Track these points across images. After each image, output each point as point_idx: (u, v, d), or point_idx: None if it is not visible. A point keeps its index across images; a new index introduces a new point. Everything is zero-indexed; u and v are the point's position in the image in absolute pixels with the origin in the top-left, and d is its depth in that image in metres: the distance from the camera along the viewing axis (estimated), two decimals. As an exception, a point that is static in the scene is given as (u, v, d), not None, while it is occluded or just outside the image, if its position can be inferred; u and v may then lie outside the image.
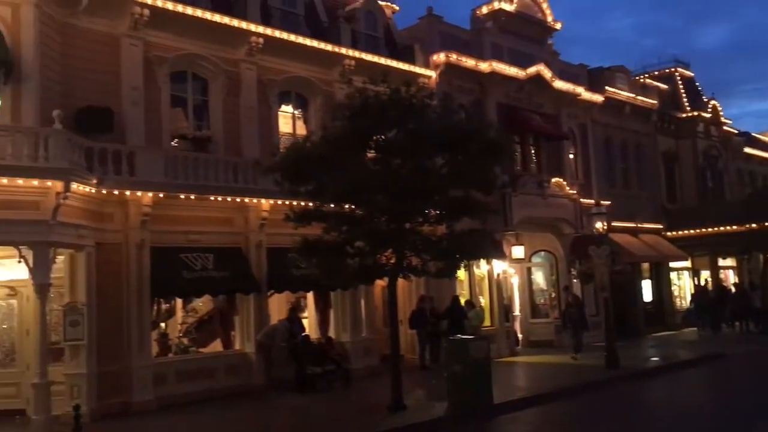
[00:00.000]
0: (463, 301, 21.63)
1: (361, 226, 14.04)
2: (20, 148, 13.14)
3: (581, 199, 26.37)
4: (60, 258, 14.27)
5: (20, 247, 13.36)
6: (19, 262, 13.54)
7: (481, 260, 22.07)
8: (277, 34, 19.22)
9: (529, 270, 26.77)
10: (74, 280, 14.87)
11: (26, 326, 15.06)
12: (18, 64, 14.63)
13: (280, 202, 16.95)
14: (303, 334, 18.23)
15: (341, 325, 19.73)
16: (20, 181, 13.09)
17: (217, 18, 18.02)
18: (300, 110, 20.83)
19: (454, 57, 23.68)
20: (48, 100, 14.88)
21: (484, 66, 24.64)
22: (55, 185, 13.30)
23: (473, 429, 13.01)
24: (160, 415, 14.76)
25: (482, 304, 23.41)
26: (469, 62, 24.26)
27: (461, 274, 21.34)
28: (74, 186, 13.68)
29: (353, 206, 14.31)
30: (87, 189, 14.50)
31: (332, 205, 14.38)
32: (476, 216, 15.11)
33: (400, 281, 15.25)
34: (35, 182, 13.21)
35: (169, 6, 17.07)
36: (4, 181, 12.93)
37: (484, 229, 15.93)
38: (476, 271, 23.59)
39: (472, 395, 13.75)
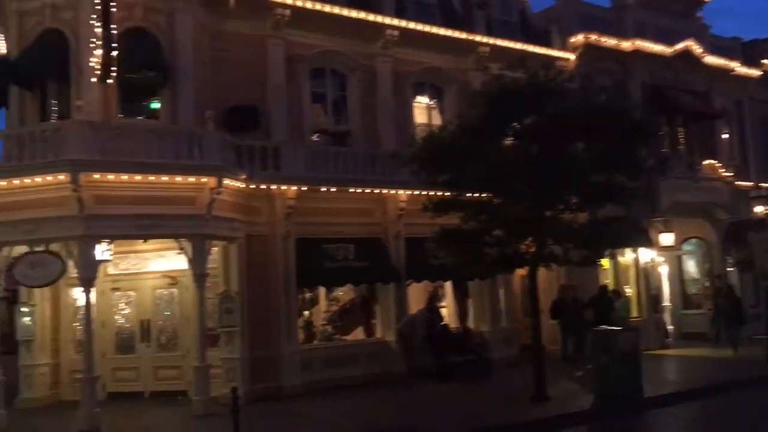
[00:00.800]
0: (609, 290, 20.83)
1: (500, 214, 13.88)
2: (178, 147, 14.17)
3: (737, 182, 24.54)
4: (214, 249, 15.21)
5: (180, 239, 14.39)
6: (179, 253, 14.60)
7: (627, 248, 21.14)
8: (412, 25, 19.36)
9: (679, 258, 25.29)
10: (227, 270, 15.79)
11: (186, 313, 16.20)
12: (174, 69, 15.70)
13: (417, 192, 17.09)
14: (442, 323, 18.32)
15: (480, 314, 19.63)
16: (178, 178, 14.08)
17: (354, 14, 18.43)
18: (435, 100, 20.87)
19: (593, 37, 22.76)
20: (201, 100, 15.86)
21: (627, 45, 23.49)
22: (209, 181, 14.19)
23: (621, 423, 12.52)
24: (309, 399, 15.38)
25: (628, 294, 22.42)
26: (609, 42, 23.23)
27: (605, 262, 20.56)
28: (226, 182, 14.52)
29: (491, 195, 14.17)
30: (237, 184, 15.34)
31: (470, 194, 14.31)
32: (621, 202, 14.49)
33: (541, 270, 14.92)
34: (191, 179, 14.16)
35: (309, 5, 17.66)
36: (165, 178, 13.96)
37: (629, 215, 15.25)
38: (621, 259, 22.62)
39: (620, 388, 13.21)
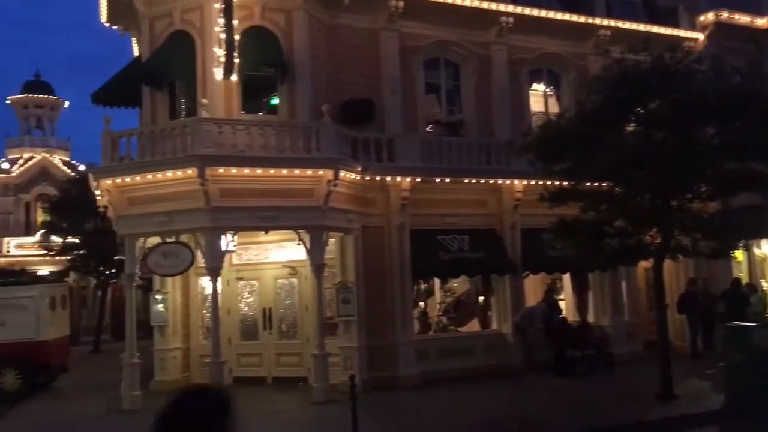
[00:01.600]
0: (743, 284, 19.55)
1: (622, 204, 13.32)
2: (296, 141, 14.59)
3: None
4: (331, 241, 15.56)
5: (298, 231, 14.81)
6: (298, 244, 15.04)
7: (763, 239, 19.74)
8: (527, 11, 18.92)
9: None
10: (344, 261, 16.11)
11: (305, 302, 16.69)
12: (292, 64, 16.15)
13: (533, 182, 16.71)
14: (560, 316, 17.86)
15: (601, 308, 18.98)
16: (297, 171, 14.50)
17: (468, 2, 18.24)
18: (552, 87, 20.32)
19: (725, 15, 21.37)
20: (318, 95, 16.22)
21: (762, 22, 21.87)
22: (326, 174, 14.51)
23: (756, 425, 11.72)
24: (424, 390, 15.45)
25: (764, 288, 20.95)
26: (743, 19, 21.72)
27: (739, 254, 19.31)
28: (342, 174, 14.81)
29: (612, 184, 13.61)
30: (353, 176, 15.59)
31: (589, 184, 13.83)
32: (757, 190, 13.52)
33: (667, 262, 14.22)
34: (309, 172, 14.54)
35: (422, -4, 17.64)
36: (284, 171, 14.42)
37: (766, 204, 14.21)
38: (756, 251, 21.16)
39: (755, 387, 12.36)
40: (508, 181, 17.57)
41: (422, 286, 18.40)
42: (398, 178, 16.45)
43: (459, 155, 17.35)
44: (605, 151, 12.80)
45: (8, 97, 41.33)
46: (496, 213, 17.98)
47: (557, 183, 14.30)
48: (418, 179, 16.60)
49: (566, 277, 19.35)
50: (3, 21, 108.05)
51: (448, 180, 16.94)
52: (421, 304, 18.27)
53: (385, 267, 16.52)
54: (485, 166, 17.54)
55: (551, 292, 18.43)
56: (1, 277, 18.97)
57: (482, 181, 17.39)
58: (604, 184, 13.76)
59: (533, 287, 18.55)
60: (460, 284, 18.98)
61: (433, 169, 16.81)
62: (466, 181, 17.20)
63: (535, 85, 20.04)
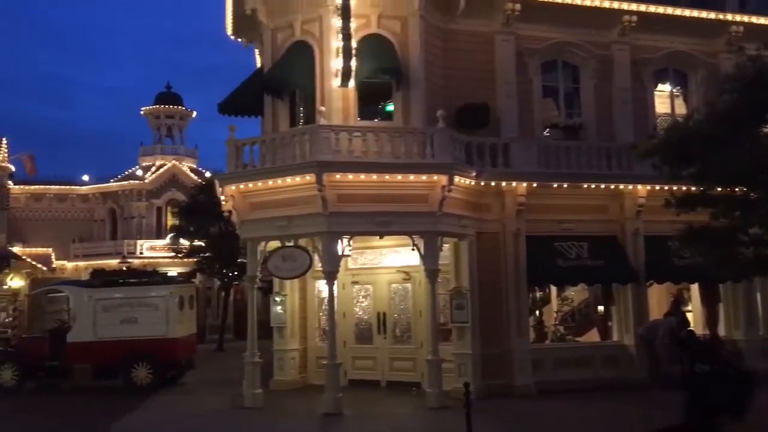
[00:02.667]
0: None
1: (758, 210, 12.41)
2: (411, 147, 14.67)
3: None
4: (446, 246, 15.50)
5: (413, 236, 14.86)
6: (413, 249, 15.08)
7: None
8: (652, 9, 18.11)
9: None
10: (458, 266, 16.01)
11: (419, 308, 16.71)
12: (407, 71, 16.25)
13: (658, 187, 15.95)
14: (688, 329, 16.88)
15: (733, 321, 17.83)
16: (412, 177, 14.56)
17: (588, 1, 17.68)
18: (678, 87, 19.33)
19: None
20: (432, 101, 16.23)
21: None
22: (440, 179, 14.49)
23: None
24: (540, 400, 15.05)
25: None
26: None
27: None
28: (456, 179, 14.74)
29: (747, 188, 12.73)
30: (467, 182, 15.47)
31: (721, 189, 13.00)
32: None
33: (810, 274, 13.12)
34: (424, 177, 14.57)
35: (539, -3, 17.28)
36: (399, 177, 14.52)
37: None
38: None
39: None
40: (630, 186, 16.85)
41: (538, 294, 17.97)
42: (514, 184, 16.17)
43: (578, 159, 16.83)
44: (739, 154, 11.98)
45: (142, 108, 44.15)
46: (618, 219, 17.29)
47: (684, 188, 13.55)
48: (535, 184, 16.24)
49: (694, 288, 18.32)
50: (139, 37, 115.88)
51: (566, 185, 16.46)
52: (537, 312, 17.84)
53: (500, 273, 16.27)
54: (606, 170, 16.92)
55: (678, 303, 17.46)
56: (135, 277, 20.21)
57: (602, 186, 16.77)
58: (737, 189, 12.89)
59: (658, 297, 17.68)
60: (577, 293, 18.39)
61: (551, 174, 16.41)
62: (586, 186, 16.65)
63: (660, 86, 19.13)
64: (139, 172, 41.73)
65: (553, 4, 17.42)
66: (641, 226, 17.12)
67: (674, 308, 17.06)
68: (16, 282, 33.79)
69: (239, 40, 19.35)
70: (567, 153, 16.84)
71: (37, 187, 41.06)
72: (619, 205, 17.22)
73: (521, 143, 16.65)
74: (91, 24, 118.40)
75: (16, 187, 39.90)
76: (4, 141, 37.86)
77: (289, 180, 14.57)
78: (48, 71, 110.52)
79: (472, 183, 15.68)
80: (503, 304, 16.12)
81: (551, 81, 18.29)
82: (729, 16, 18.68)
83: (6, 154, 37.84)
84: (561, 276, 16.81)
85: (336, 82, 15.83)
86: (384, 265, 17.51)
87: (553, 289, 18.19)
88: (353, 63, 15.44)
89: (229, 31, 18.84)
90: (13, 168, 38.95)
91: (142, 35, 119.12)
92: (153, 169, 41.28)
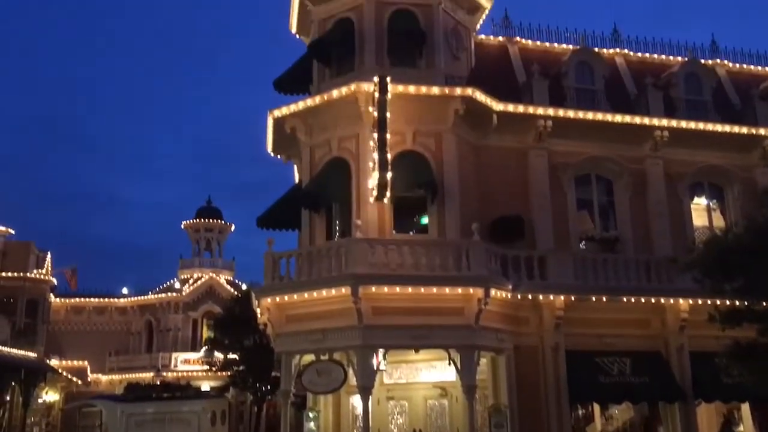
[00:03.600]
0: None
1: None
2: (446, 260, 14.70)
3: None
4: (483, 361, 15.17)
5: (449, 350, 14.61)
6: (449, 364, 14.77)
7: None
8: (684, 124, 18.38)
9: None
10: (496, 382, 15.59)
11: (456, 425, 16.17)
12: (441, 185, 16.53)
13: (701, 301, 15.62)
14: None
15: (789, 444, 16.78)
16: (447, 290, 14.50)
17: (618, 118, 18.04)
18: (715, 201, 19.25)
19: None
20: (467, 213, 16.39)
21: None
22: (476, 292, 14.40)
23: None
24: None
25: None
26: None
27: None
28: (493, 292, 14.62)
29: (794, 303, 12.38)
30: (504, 295, 15.33)
31: (766, 303, 12.65)
32: None
33: None
34: (460, 290, 14.50)
35: (571, 114, 17.70)
36: (434, 290, 14.47)
37: None
38: None
39: None
40: (672, 300, 16.50)
41: (581, 412, 17.27)
42: (551, 297, 15.96)
43: (616, 272, 16.63)
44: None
45: (183, 223, 45.34)
46: (661, 334, 16.82)
47: (729, 302, 13.22)
48: (572, 297, 16.01)
49: (745, 407, 17.43)
50: (182, 156, 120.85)
51: (604, 298, 16.19)
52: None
53: (540, 389, 15.78)
54: (645, 283, 16.65)
55: (729, 423, 16.67)
56: (169, 391, 20.09)
57: (643, 299, 16.44)
58: (783, 304, 12.54)
59: (707, 417, 16.88)
60: (622, 412, 17.62)
61: (588, 287, 16.19)
62: (625, 300, 16.34)
63: (696, 199, 19.09)
64: (177, 285, 42.30)
65: (584, 120, 17.80)
66: (686, 341, 16.61)
67: (725, 429, 16.26)
68: (50, 396, 33.75)
69: (279, 156, 20.03)
70: (604, 266, 16.67)
71: (77, 300, 41.80)
72: (662, 319, 16.80)
73: (557, 256, 16.56)
74: (134, 139, 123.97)
75: (57, 300, 40.67)
76: (49, 256, 38.96)
77: (324, 293, 14.61)
78: (93, 187, 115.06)
79: (509, 296, 15.53)
80: (544, 423, 15.52)
81: (585, 194, 18.40)
82: (762, 131, 18.82)
83: (49, 268, 38.82)
84: (604, 393, 16.20)
85: (372, 196, 16.11)
86: (420, 380, 17.13)
87: (596, 407, 17.48)
88: (389, 174, 15.71)
89: (270, 148, 19.55)
90: (55, 282, 39.85)
91: (184, 152, 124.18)
92: (191, 281, 41.85)
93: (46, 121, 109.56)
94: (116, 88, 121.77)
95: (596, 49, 19.54)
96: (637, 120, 18.11)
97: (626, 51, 20.67)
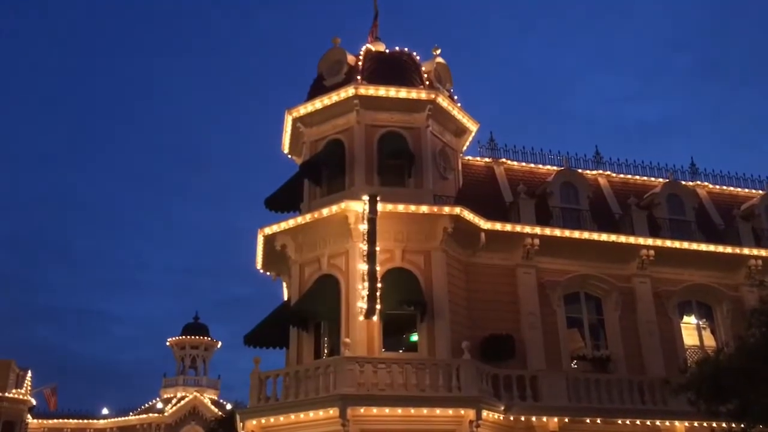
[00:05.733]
0: None
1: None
2: (436, 379, 14.40)
3: None
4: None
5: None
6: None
7: None
8: (669, 243, 18.65)
9: None
10: None
11: None
12: (431, 302, 16.46)
13: (696, 423, 15.25)
14: None
15: None
16: (438, 411, 14.12)
17: (604, 237, 18.30)
18: (704, 320, 19.21)
19: None
20: (457, 331, 16.24)
21: None
22: (468, 413, 14.05)
23: None
24: None
25: None
26: None
27: None
28: (485, 414, 14.27)
29: (791, 426, 12.09)
30: (496, 416, 14.94)
31: (762, 426, 12.35)
32: None
33: None
34: (450, 411, 14.13)
35: (557, 233, 17.96)
36: (425, 411, 14.08)
37: None
38: None
39: None
40: (667, 422, 16.12)
41: None
42: (544, 418, 15.56)
43: (609, 393, 16.32)
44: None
45: (168, 339, 44.54)
46: (658, 457, 16.28)
47: (725, 424, 12.91)
48: (566, 419, 15.60)
49: None
50: (168, 270, 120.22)
51: (599, 420, 15.78)
52: None
53: None
54: (639, 405, 16.31)
55: None
56: None
57: (638, 422, 16.05)
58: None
59: None
60: None
61: (582, 409, 15.83)
62: (620, 422, 15.93)
63: (685, 317, 19.06)
64: (160, 405, 40.99)
65: (571, 239, 18.04)
66: (685, 465, 16.06)
67: None
68: None
69: (268, 273, 20.00)
70: (597, 386, 16.38)
71: (55, 421, 40.39)
72: (658, 442, 16.32)
73: (549, 376, 16.29)
74: (118, 255, 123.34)
75: (35, 421, 39.20)
76: (29, 374, 37.92)
77: (312, 414, 14.19)
78: (77, 301, 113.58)
79: (501, 417, 15.12)
80: None
81: (575, 312, 18.35)
82: (746, 251, 19.10)
83: (29, 387, 37.67)
84: None
85: (361, 314, 15.96)
86: None
87: None
88: (378, 286, 15.60)
89: (259, 265, 19.56)
90: (34, 402, 38.55)
91: (172, 267, 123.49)
92: (174, 401, 40.58)
93: (29, 235, 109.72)
94: (103, 200, 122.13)
95: (579, 171, 20.10)
96: (623, 239, 18.38)
97: (609, 172, 21.23)
